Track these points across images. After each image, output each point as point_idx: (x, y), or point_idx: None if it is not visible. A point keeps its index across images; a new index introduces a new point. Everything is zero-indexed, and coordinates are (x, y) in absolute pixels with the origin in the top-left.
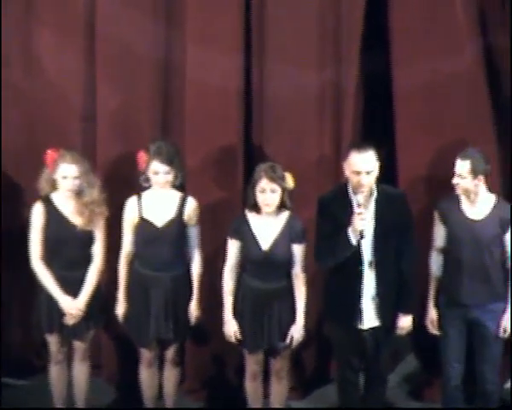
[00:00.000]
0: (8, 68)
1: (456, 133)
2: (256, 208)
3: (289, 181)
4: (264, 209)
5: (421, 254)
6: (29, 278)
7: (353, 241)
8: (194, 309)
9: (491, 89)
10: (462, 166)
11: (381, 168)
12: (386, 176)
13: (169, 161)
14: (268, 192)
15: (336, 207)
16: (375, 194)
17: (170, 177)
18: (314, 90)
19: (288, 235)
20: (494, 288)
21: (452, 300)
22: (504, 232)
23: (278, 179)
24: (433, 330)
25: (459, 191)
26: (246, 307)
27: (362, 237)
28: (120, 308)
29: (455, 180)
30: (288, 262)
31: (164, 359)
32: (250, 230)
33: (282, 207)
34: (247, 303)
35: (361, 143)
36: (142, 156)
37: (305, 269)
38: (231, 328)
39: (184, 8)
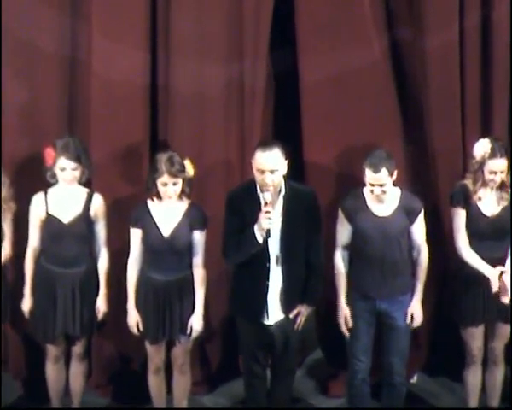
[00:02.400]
0: None
1: (363, 128)
2: (158, 197)
3: (189, 169)
4: (167, 200)
5: (327, 250)
6: None
7: (259, 239)
8: (100, 305)
9: (397, 84)
10: (379, 178)
11: (289, 164)
12: (295, 172)
13: (76, 157)
14: (170, 185)
15: (244, 203)
16: (283, 191)
17: (77, 173)
18: (220, 86)
19: (190, 222)
20: (403, 280)
21: (361, 294)
22: (411, 223)
23: (178, 172)
24: (346, 326)
25: (375, 197)
26: (147, 298)
27: (268, 235)
28: (26, 304)
29: (372, 189)
30: (190, 251)
31: (70, 354)
32: (151, 217)
33: (182, 194)
34: (149, 294)
35: (266, 142)
36: (49, 152)
37: (215, 263)
38: (133, 319)
39: (90, 2)
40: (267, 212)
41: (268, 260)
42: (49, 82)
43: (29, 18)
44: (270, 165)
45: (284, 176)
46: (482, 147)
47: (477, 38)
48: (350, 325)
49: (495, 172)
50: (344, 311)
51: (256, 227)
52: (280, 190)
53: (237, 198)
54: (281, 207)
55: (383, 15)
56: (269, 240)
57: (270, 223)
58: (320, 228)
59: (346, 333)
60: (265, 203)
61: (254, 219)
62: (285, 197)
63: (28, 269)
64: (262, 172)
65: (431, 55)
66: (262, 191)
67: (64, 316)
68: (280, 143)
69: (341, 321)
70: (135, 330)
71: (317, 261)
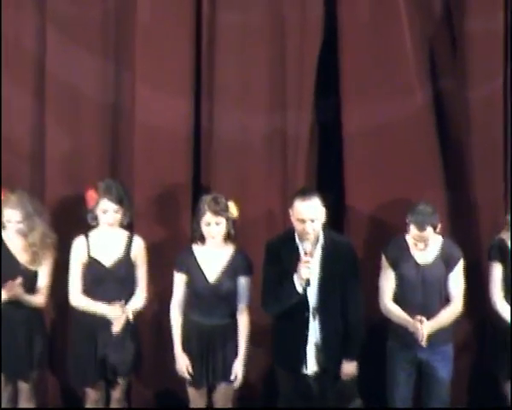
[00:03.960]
0: None
1: (405, 177)
2: (202, 240)
3: (233, 210)
4: (211, 241)
5: (368, 298)
6: None
7: (299, 288)
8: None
9: (440, 133)
10: (424, 235)
11: (329, 214)
12: (335, 221)
13: (118, 199)
14: (213, 225)
15: (283, 252)
16: (322, 241)
17: (118, 216)
18: (263, 135)
19: (234, 267)
20: (444, 330)
21: (402, 343)
22: (449, 271)
23: (222, 212)
24: None
25: (418, 249)
26: (191, 342)
27: (308, 284)
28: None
29: (416, 243)
30: (234, 296)
31: (110, 399)
32: (196, 262)
33: (227, 237)
34: (192, 339)
35: (306, 191)
36: (91, 194)
37: (258, 314)
38: (182, 362)
39: (134, 50)
40: (307, 261)
41: (307, 310)
42: (92, 129)
43: (74, 66)
44: (311, 214)
45: (323, 225)
46: None
47: None
48: None
49: None
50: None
51: (296, 277)
52: (318, 240)
53: (276, 247)
54: (319, 256)
55: (426, 65)
56: (308, 290)
57: (310, 272)
58: (357, 283)
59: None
60: (305, 253)
61: (293, 268)
62: (323, 247)
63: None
64: (302, 221)
65: (474, 106)
66: (301, 240)
67: (103, 360)
68: (318, 192)
69: None
70: (185, 374)
71: (356, 314)
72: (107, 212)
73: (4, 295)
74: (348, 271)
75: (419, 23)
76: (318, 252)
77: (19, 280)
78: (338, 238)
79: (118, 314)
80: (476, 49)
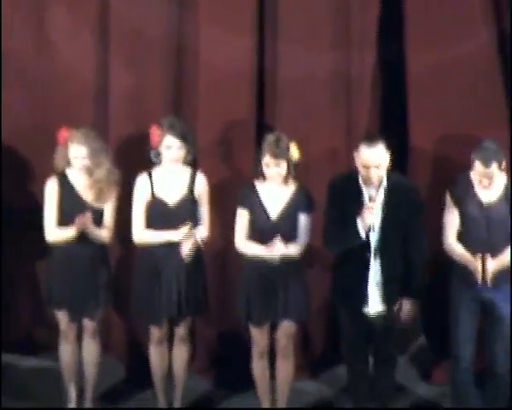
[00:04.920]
0: (22, 49)
1: (469, 116)
2: (264, 178)
3: (294, 152)
4: (273, 182)
5: (430, 239)
6: (38, 252)
7: (362, 233)
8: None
9: (504, 74)
10: (489, 172)
11: (393, 155)
12: (399, 162)
13: (182, 135)
14: (272, 166)
15: (347, 194)
16: (386, 184)
17: (182, 152)
18: (327, 73)
19: (296, 205)
20: (508, 269)
21: (465, 282)
22: None
23: (282, 154)
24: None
25: (483, 186)
26: (252, 280)
27: (371, 230)
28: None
29: (481, 180)
30: (295, 234)
31: (174, 337)
32: (258, 199)
33: (287, 177)
34: (254, 277)
35: (371, 136)
36: (154, 131)
37: (318, 250)
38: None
39: None
40: (371, 208)
41: (369, 251)
42: (156, 67)
43: (138, 5)
44: (376, 161)
45: (387, 168)
46: None
47: None
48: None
49: None
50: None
51: (359, 221)
52: (382, 184)
53: (340, 188)
54: (383, 200)
55: (490, 4)
56: (370, 233)
57: (374, 218)
58: (421, 224)
59: None
60: (370, 199)
61: (356, 211)
62: (387, 191)
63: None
64: (367, 167)
65: None
66: (365, 185)
67: (169, 298)
68: (382, 134)
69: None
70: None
71: (418, 254)
72: (171, 148)
73: (74, 230)
74: (412, 213)
75: None
76: (382, 196)
77: (89, 214)
78: (402, 181)
79: (186, 235)
80: None
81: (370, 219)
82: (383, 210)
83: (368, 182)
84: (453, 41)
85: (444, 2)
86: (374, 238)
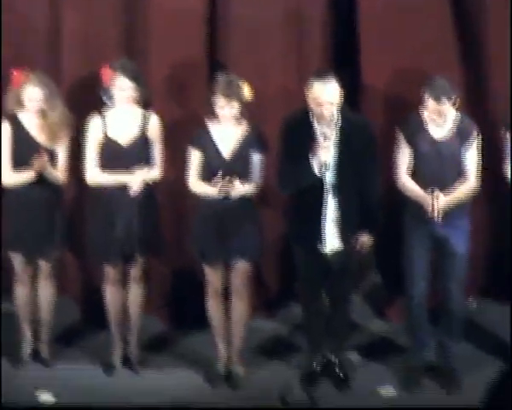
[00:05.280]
0: None
1: (421, 55)
2: (216, 118)
3: (246, 92)
4: (226, 122)
5: (383, 176)
6: None
7: (317, 171)
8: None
9: (456, 13)
10: (441, 108)
11: (345, 93)
12: (351, 99)
13: (134, 76)
14: (225, 107)
15: (299, 133)
16: (339, 122)
17: (134, 93)
18: (279, 13)
19: (249, 144)
20: (459, 205)
21: (419, 219)
22: (466, 146)
23: (234, 95)
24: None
25: (435, 122)
26: (206, 220)
27: (326, 168)
28: None
29: (434, 117)
30: (249, 173)
31: (129, 277)
32: (211, 139)
33: (240, 117)
34: (207, 216)
35: (323, 72)
36: (105, 71)
37: (273, 189)
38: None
39: None
40: (326, 146)
41: (324, 189)
42: (107, 10)
43: None
44: (328, 97)
45: (340, 105)
46: None
47: None
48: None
49: None
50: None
51: (313, 160)
52: (335, 121)
53: (292, 126)
54: (337, 138)
55: None
56: (325, 171)
57: (329, 156)
58: (375, 157)
59: None
60: (323, 137)
61: (310, 149)
62: (341, 128)
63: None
64: (319, 104)
65: None
66: (318, 122)
67: (122, 237)
68: (335, 73)
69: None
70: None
71: (373, 189)
72: (123, 89)
73: (32, 172)
74: (365, 149)
75: None
76: (335, 133)
77: (45, 155)
78: (355, 118)
79: (136, 178)
80: None
81: (324, 157)
82: (337, 147)
83: (320, 119)
84: None
85: None
86: (328, 176)
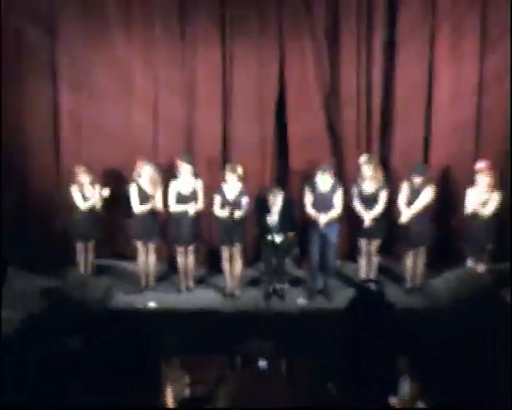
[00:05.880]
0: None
1: None
2: (226, 181)
3: (240, 172)
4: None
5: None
6: None
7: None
8: None
9: None
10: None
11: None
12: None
13: (190, 162)
14: (230, 178)
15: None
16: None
17: (190, 170)
18: None
19: (241, 193)
20: (332, 219)
21: (314, 224)
22: (336, 194)
23: (236, 173)
24: None
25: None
26: (224, 226)
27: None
28: None
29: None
30: (241, 207)
31: (188, 251)
32: (223, 190)
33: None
34: (224, 225)
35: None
36: (177, 161)
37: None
38: None
39: None
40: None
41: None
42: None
43: None
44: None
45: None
46: None
47: None
48: None
49: None
50: None
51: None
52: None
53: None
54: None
55: None
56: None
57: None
58: (291, 196)
59: None
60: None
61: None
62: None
63: None
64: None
65: None
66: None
67: (185, 234)
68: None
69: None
70: None
71: (290, 210)
72: (185, 169)
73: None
74: (289, 203)
75: None
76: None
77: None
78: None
79: (192, 208)
80: None
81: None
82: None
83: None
84: None
85: None
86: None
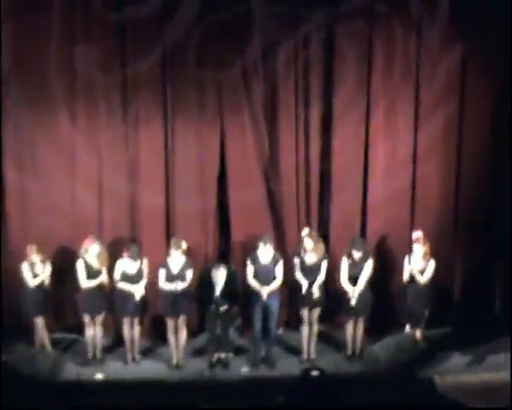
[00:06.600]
0: None
1: None
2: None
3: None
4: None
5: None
6: None
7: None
8: None
9: None
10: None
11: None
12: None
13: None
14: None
15: None
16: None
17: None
18: None
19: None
20: (274, 290)
21: (257, 295)
22: (277, 266)
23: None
24: None
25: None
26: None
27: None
28: None
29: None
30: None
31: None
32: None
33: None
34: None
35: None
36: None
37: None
38: None
39: None
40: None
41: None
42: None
43: None
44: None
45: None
46: None
47: None
48: None
49: None
50: None
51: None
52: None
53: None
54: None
55: None
56: None
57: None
58: (234, 270)
59: None
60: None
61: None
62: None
63: None
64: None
65: None
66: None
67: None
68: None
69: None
70: None
71: (234, 285)
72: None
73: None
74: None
75: None
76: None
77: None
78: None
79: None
80: None
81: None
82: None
83: None
84: None
85: None
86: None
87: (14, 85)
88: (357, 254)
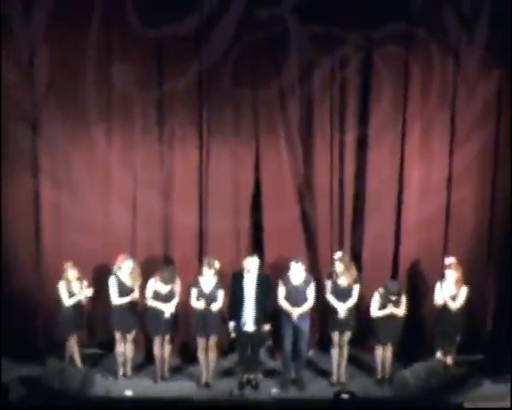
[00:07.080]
0: None
1: None
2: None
3: (217, 266)
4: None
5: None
6: None
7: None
8: None
9: None
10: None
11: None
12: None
13: (212, 266)
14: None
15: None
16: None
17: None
18: None
19: (218, 285)
20: (305, 312)
21: (288, 316)
22: (308, 288)
23: (213, 267)
24: None
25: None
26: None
27: None
28: None
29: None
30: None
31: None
32: (200, 284)
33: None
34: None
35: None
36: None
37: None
38: None
39: None
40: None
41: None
42: None
43: None
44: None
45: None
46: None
47: None
48: None
49: None
50: None
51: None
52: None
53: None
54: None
55: None
56: None
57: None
58: (269, 291)
59: None
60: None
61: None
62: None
63: None
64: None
65: None
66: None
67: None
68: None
69: None
70: None
71: (266, 299)
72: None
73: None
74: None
75: None
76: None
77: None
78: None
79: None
80: None
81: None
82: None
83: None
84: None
85: None
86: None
87: (51, 103)
88: (392, 297)
